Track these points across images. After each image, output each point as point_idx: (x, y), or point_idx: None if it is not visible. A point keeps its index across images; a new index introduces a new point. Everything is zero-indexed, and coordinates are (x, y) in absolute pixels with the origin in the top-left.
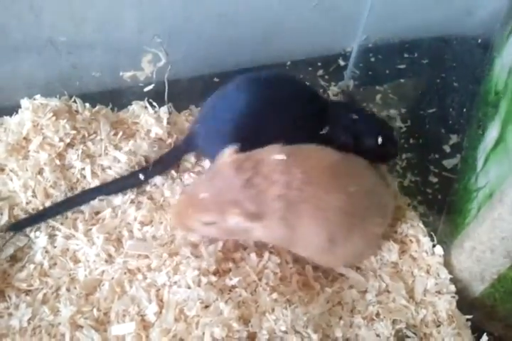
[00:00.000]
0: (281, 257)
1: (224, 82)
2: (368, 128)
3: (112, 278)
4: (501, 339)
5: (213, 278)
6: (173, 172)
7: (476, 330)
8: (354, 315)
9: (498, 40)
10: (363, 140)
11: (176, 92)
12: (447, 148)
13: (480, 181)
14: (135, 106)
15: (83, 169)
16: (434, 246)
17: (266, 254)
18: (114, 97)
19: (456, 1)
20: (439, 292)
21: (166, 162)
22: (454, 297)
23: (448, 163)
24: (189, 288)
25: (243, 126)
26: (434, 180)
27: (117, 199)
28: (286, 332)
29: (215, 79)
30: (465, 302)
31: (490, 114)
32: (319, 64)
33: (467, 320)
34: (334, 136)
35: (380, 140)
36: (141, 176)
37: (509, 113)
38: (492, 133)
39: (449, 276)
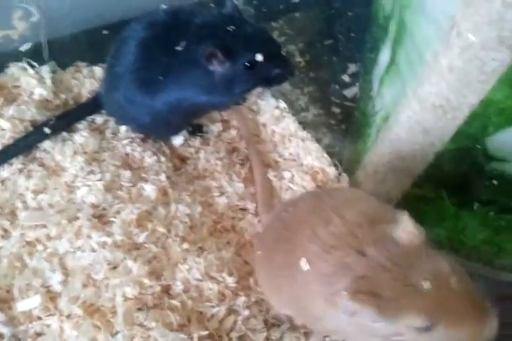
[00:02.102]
0: (190, 206)
1: (114, 33)
2: (244, 40)
3: (10, 253)
4: None
5: (119, 238)
6: (64, 133)
7: None
8: None
9: None
10: (238, 55)
11: (58, 49)
12: (346, 78)
13: (377, 105)
14: (13, 69)
15: None
16: (339, 174)
17: (173, 205)
18: None
19: None
20: None
21: (72, 118)
22: None
23: (348, 92)
24: (94, 251)
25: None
26: (337, 110)
27: (4, 172)
28: (200, 280)
29: (104, 32)
30: None
31: (380, 37)
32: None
33: None
34: (198, 52)
35: (260, 57)
36: (47, 130)
37: (398, 34)
38: (384, 56)
39: None
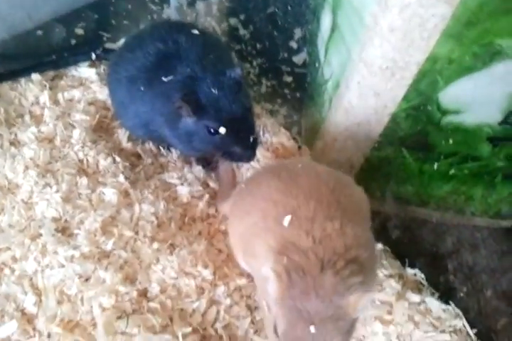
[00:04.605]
0: (154, 204)
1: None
2: (223, 108)
3: None
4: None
5: (86, 249)
6: (12, 148)
7: None
8: None
9: None
10: (204, 116)
11: None
12: (294, 44)
13: (326, 73)
14: None
15: None
16: (299, 147)
17: (136, 206)
18: None
19: None
20: None
21: None
22: None
23: (298, 58)
24: (63, 266)
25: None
26: (289, 79)
27: None
28: (176, 278)
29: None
30: None
31: (320, 2)
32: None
33: None
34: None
35: (223, 130)
36: None
37: None
38: (325, 22)
39: None
